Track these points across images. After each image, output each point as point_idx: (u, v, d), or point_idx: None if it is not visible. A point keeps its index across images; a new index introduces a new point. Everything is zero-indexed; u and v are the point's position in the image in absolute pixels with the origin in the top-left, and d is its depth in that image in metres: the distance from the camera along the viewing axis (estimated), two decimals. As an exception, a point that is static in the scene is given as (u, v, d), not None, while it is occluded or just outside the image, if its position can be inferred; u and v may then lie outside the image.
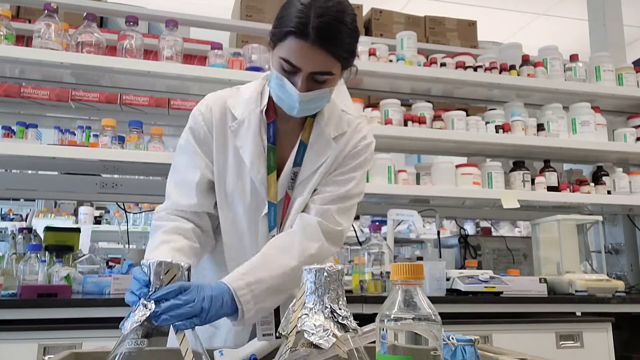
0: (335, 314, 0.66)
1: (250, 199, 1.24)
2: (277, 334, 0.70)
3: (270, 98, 1.25)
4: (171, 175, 1.31)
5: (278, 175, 1.25)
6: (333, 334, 0.64)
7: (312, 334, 0.64)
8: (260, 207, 1.24)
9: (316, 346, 0.63)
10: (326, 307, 0.66)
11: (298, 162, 1.26)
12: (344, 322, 0.66)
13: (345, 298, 0.68)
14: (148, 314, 0.67)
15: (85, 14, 2.31)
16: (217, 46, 2.47)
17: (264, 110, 1.25)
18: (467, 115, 2.77)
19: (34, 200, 4.83)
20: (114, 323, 1.76)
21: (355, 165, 1.29)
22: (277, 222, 1.25)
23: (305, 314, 0.66)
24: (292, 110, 1.18)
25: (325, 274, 0.67)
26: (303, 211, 1.25)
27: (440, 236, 2.96)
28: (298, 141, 1.27)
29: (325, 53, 1.10)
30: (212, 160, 1.26)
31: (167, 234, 1.19)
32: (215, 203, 1.28)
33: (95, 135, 2.56)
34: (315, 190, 1.27)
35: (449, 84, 2.82)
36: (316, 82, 1.14)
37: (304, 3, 1.09)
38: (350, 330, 0.66)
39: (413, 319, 0.67)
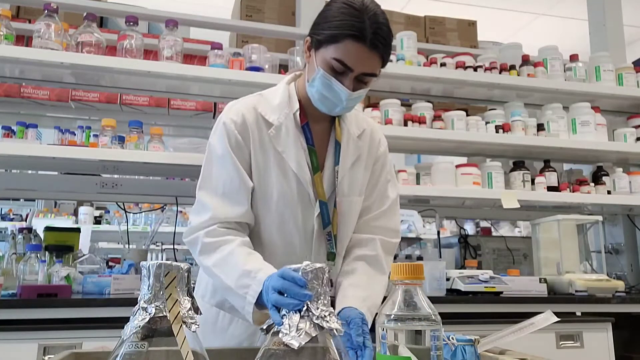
0: (311, 313, 0.66)
1: (299, 200, 1.28)
2: (264, 331, 0.71)
3: (299, 100, 1.32)
4: (208, 186, 1.29)
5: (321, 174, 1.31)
6: (305, 332, 0.64)
7: (286, 333, 0.64)
8: (309, 207, 1.29)
9: (287, 345, 0.63)
10: (303, 307, 0.66)
11: (337, 161, 1.32)
12: (319, 321, 0.66)
13: (328, 297, 0.68)
14: (148, 319, 0.67)
15: (85, 14, 2.31)
16: (217, 46, 2.47)
17: (297, 114, 1.30)
18: (467, 115, 2.77)
19: (34, 200, 4.83)
20: (114, 323, 1.77)
21: (385, 173, 1.41)
22: (330, 220, 1.30)
23: (284, 314, 0.67)
24: (335, 108, 1.25)
25: (300, 273, 0.67)
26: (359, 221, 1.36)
27: (440, 236, 2.96)
28: (333, 141, 1.34)
29: (377, 56, 1.19)
30: (250, 167, 1.28)
31: (244, 246, 1.22)
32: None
33: (95, 135, 2.57)
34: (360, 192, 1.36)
35: (449, 84, 2.82)
36: (359, 82, 1.22)
37: (356, 9, 1.17)
38: (326, 330, 0.66)
39: (413, 319, 0.67)
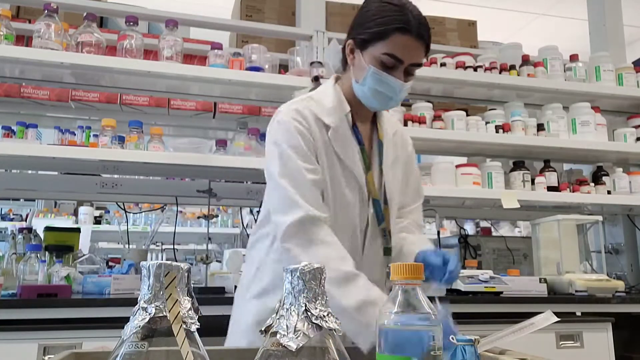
0: (309, 314, 0.66)
1: (359, 199, 1.33)
2: (261, 332, 0.71)
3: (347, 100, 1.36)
4: (294, 184, 1.25)
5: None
6: (303, 334, 0.64)
7: (283, 335, 0.64)
8: (364, 206, 1.34)
9: (286, 347, 0.63)
10: (301, 307, 0.66)
11: (381, 160, 1.38)
12: (318, 321, 0.66)
13: (326, 297, 0.68)
14: (148, 319, 0.67)
15: (85, 14, 2.31)
16: (217, 46, 2.47)
17: (349, 116, 1.35)
18: (467, 115, 2.76)
19: (34, 200, 4.82)
20: (114, 323, 1.78)
21: (416, 171, 1.52)
22: (384, 217, 1.35)
23: (282, 315, 0.67)
24: (390, 102, 1.31)
25: (298, 273, 0.67)
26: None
27: (440, 236, 2.96)
28: (376, 141, 1.39)
29: (423, 45, 1.26)
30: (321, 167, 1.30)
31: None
32: None
33: (95, 135, 2.57)
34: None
35: (449, 84, 2.82)
36: (407, 74, 1.29)
37: (397, 4, 1.25)
38: (326, 330, 0.66)
39: (413, 319, 0.67)
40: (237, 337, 1.36)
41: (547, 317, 0.90)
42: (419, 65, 1.29)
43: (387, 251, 1.36)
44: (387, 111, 1.49)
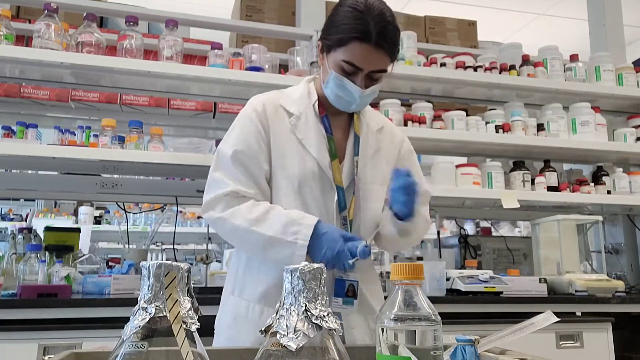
0: (309, 314, 0.66)
1: (320, 184, 1.34)
2: (262, 332, 0.71)
3: (318, 95, 1.40)
4: (231, 161, 1.33)
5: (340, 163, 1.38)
6: (303, 334, 0.64)
7: (283, 335, 0.64)
8: (328, 191, 1.35)
9: (286, 347, 0.63)
10: (301, 307, 0.66)
11: (357, 152, 1.39)
12: (318, 321, 0.65)
13: (326, 297, 0.68)
14: (148, 319, 0.67)
15: (85, 14, 2.31)
16: (217, 46, 2.47)
17: (316, 105, 1.39)
18: (467, 115, 2.77)
19: (34, 200, 4.82)
20: (114, 323, 1.78)
21: (416, 168, 1.49)
22: (346, 205, 1.35)
23: (282, 315, 0.66)
24: (351, 106, 1.34)
25: (298, 273, 0.67)
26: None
27: (440, 236, 2.96)
28: (353, 133, 1.41)
29: (384, 53, 1.27)
30: (269, 153, 1.35)
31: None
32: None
33: (95, 135, 2.57)
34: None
35: (449, 84, 2.82)
36: (371, 80, 1.31)
37: (360, 10, 1.24)
38: (326, 330, 0.66)
39: (413, 319, 0.67)
40: (218, 335, 1.39)
41: (547, 317, 0.90)
42: (383, 71, 1.30)
43: None
44: (374, 108, 1.52)
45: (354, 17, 1.24)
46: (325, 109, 1.40)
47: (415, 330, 0.67)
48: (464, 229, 3.20)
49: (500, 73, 2.79)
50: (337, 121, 1.41)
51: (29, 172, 2.72)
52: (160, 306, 0.67)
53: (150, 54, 2.38)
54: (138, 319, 0.67)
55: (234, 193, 1.29)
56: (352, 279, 1.31)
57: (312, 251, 1.23)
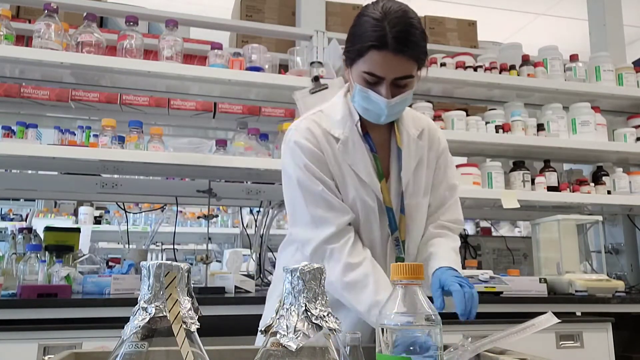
0: (309, 314, 0.66)
1: (378, 207, 1.32)
2: (262, 332, 0.71)
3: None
4: (310, 207, 1.30)
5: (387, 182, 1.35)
6: (303, 334, 0.64)
7: (283, 335, 0.64)
8: (383, 213, 1.33)
9: (286, 347, 0.63)
10: (301, 307, 0.66)
11: (401, 167, 1.35)
12: (318, 321, 0.66)
13: (326, 296, 0.68)
14: (148, 319, 0.67)
15: (85, 14, 2.31)
16: (217, 46, 2.47)
17: (359, 125, 1.34)
18: (467, 115, 2.76)
19: (34, 200, 4.82)
20: (114, 323, 1.78)
21: (451, 165, 1.47)
22: (397, 226, 1.33)
23: (282, 315, 0.67)
24: (380, 117, 1.28)
25: (298, 273, 0.67)
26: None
27: (440, 236, 2.95)
28: (395, 147, 1.36)
29: (405, 58, 1.20)
30: (332, 178, 1.32)
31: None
32: None
33: (95, 135, 2.57)
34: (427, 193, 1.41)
35: (449, 84, 2.82)
36: (398, 87, 1.24)
37: (376, 18, 1.20)
38: (326, 330, 0.66)
39: (413, 319, 0.67)
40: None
41: (548, 318, 0.90)
42: (408, 77, 1.24)
43: (400, 260, 1.34)
44: (410, 108, 1.47)
45: (371, 26, 1.20)
46: (366, 126, 1.35)
47: (415, 330, 0.67)
48: (464, 229, 3.20)
49: (500, 73, 2.79)
50: (377, 135, 1.36)
51: (29, 172, 2.72)
52: (160, 306, 0.67)
53: (150, 54, 2.38)
54: (138, 319, 0.67)
55: (323, 241, 1.28)
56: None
57: None
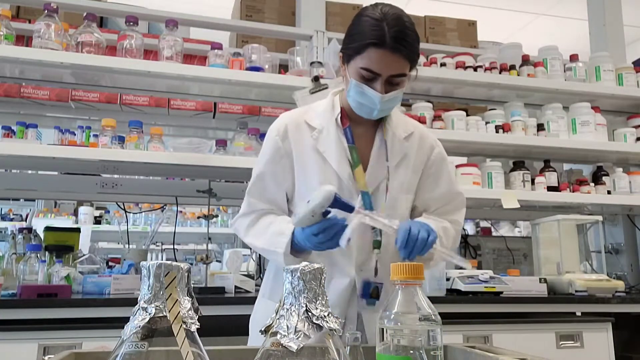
0: (310, 314, 0.66)
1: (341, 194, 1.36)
2: (262, 332, 0.71)
3: (342, 107, 1.44)
4: (254, 185, 1.45)
5: (364, 169, 1.41)
6: (304, 334, 0.64)
7: (284, 335, 0.64)
8: (352, 198, 1.35)
9: (286, 347, 0.63)
10: (302, 307, 0.66)
11: (387, 158, 1.42)
12: (319, 322, 0.66)
13: (326, 297, 0.68)
14: (148, 319, 0.67)
15: (85, 14, 2.31)
16: (217, 46, 2.47)
17: (339, 118, 1.42)
18: (467, 115, 2.77)
19: (34, 200, 4.82)
20: (114, 323, 1.78)
21: (446, 174, 1.52)
22: (372, 208, 1.37)
23: (282, 315, 0.67)
24: (373, 112, 1.36)
25: (299, 273, 0.67)
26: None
27: (440, 236, 2.95)
28: (378, 140, 1.44)
29: (400, 57, 1.29)
30: (292, 170, 1.42)
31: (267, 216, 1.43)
32: None
33: (95, 135, 2.57)
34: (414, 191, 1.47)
35: (449, 84, 2.82)
36: (392, 85, 1.33)
37: (376, 18, 1.29)
38: (327, 330, 0.66)
39: (413, 319, 0.67)
40: (252, 333, 1.48)
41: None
42: (402, 75, 1.32)
43: (376, 243, 1.38)
44: (403, 114, 1.55)
45: (370, 25, 1.29)
46: (350, 120, 1.43)
47: (415, 330, 0.67)
48: (464, 229, 3.20)
49: (500, 73, 2.79)
50: (362, 130, 1.44)
51: (29, 172, 2.72)
52: (160, 306, 0.67)
53: (150, 54, 2.38)
54: (138, 319, 0.67)
55: (251, 212, 1.43)
56: (378, 281, 1.37)
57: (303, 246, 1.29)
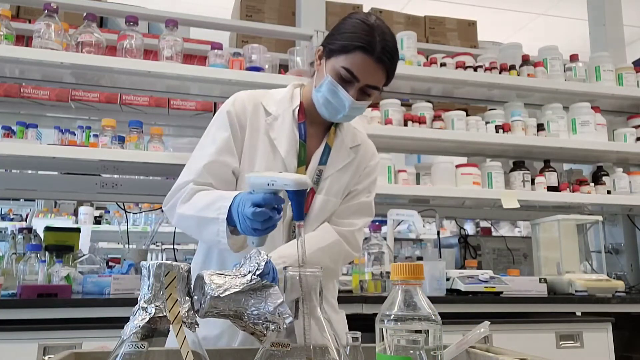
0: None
1: None
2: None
3: (301, 102, 1.41)
4: (199, 154, 1.39)
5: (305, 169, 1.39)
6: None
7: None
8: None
9: (284, 345, 0.64)
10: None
11: (323, 162, 1.40)
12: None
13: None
14: (148, 319, 0.67)
15: (85, 14, 2.31)
16: (217, 46, 2.47)
17: (296, 110, 1.40)
18: (467, 115, 2.77)
19: (34, 200, 4.83)
20: (114, 323, 1.77)
21: (370, 182, 1.49)
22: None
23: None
24: (338, 114, 1.34)
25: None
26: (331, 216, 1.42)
27: (440, 236, 2.96)
28: (324, 144, 1.42)
29: (382, 70, 1.28)
30: (241, 150, 1.36)
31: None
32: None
33: (95, 135, 2.57)
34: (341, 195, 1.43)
35: (449, 84, 2.82)
36: (364, 94, 1.32)
37: (369, 24, 1.27)
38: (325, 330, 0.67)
39: (413, 319, 0.67)
40: None
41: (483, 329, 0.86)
42: (377, 88, 1.31)
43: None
44: (356, 125, 1.50)
45: (362, 28, 1.27)
46: (306, 117, 1.41)
47: (415, 331, 0.67)
48: (464, 229, 3.20)
49: (500, 73, 2.79)
50: (314, 131, 1.42)
51: (29, 172, 2.72)
52: (160, 306, 0.67)
53: (150, 54, 2.38)
54: (138, 319, 0.67)
55: (190, 187, 1.30)
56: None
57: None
